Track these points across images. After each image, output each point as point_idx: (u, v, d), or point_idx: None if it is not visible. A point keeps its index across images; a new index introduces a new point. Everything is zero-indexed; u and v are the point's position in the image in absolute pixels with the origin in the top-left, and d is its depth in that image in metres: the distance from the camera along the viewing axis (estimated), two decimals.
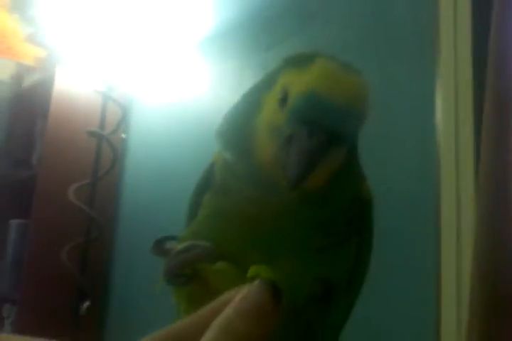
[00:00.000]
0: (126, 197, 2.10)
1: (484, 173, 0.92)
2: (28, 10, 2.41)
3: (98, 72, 1.98)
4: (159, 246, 0.56)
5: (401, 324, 1.19)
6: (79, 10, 1.97)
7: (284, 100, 0.50)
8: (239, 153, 0.53)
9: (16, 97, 2.38)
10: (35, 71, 2.35)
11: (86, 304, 1.81)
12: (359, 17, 1.50)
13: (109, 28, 1.96)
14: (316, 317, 0.55)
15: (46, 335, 1.86)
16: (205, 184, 0.59)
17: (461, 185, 1.15)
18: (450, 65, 1.23)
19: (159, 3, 2.13)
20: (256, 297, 0.28)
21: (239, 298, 0.29)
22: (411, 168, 1.26)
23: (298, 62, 0.52)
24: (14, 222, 2.14)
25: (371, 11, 1.49)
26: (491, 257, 0.88)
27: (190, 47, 2.00)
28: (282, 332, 0.54)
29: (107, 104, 1.96)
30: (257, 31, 1.77)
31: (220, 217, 0.55)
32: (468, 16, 1.24)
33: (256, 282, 0.31)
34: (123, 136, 2.13)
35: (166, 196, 1.87)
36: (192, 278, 0.54)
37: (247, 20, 1.82)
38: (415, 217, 1.22)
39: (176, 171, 1.91)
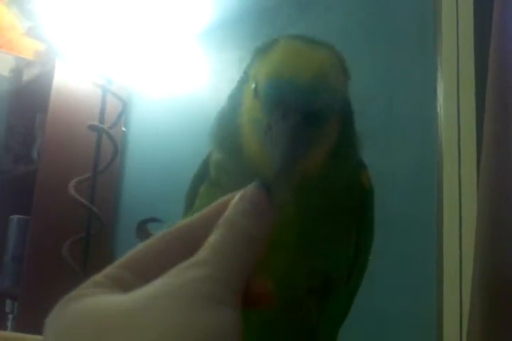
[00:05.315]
0: (127, 191, 2.09)
1: (485, 170, 0.91)
2: (26, 4, 2.40)
3: (97, 65, 1.96)
4: (143, 230, 0.55)
5: (404, 312, 1.17)
6: (78, 3, 1.95)
7: (256, 90, 0.49)
8: (229, 151, 0.52)
9: (16, 91, 2.36)
10: (35, 65, 2.34)
11: None
12: (360, 5, 1.48)
13: (108, 21, 1.94)
14: (315, 310, 0.54)
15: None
16: (202, 175, 0.58)
17: (463, 173, 1.13)
18: (452, 52, 1.21)
19: None
20: (253, 196, 0.31)
21: (238, 198, 0.31)
22: (413, 156, 1.24)
23: (263, 49, 0.51)
24: (14, 218, 2.13)
25: None
26: (492, 244, 0.87)
27: (190, 39, 1.98)
28: (282, 324, 0.53)
29: (106, 98, 1.94)
30: (256, 21, 1.75)
31: None
32: (471, 3, 1.22)
33: (252, 183, 0.32)
34: (123, 129, 2.12)
35: (166, 189, 1.86)
36: None
37: (247, 11, 1.80)
38: (417, 205, 1.20)
39: (176, 164, 1.90)
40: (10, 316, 2.10)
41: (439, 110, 1.21)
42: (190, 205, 0.60)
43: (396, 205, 1.19)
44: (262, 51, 0.51)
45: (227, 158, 0.53)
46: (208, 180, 0.57)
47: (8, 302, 2.13)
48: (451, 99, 1.18)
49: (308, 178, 0.49)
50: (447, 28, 1.23)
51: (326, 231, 0.53)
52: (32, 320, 1.80)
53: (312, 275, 0.53)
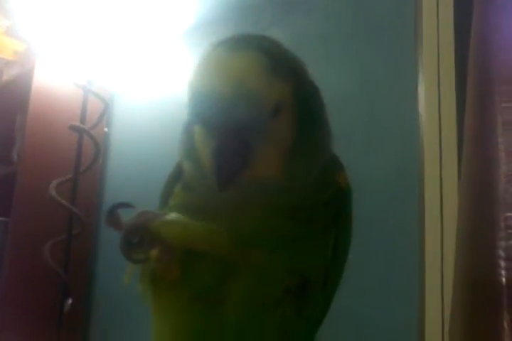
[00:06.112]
0: (109, 192, 2.07)
1: (466, 171, 0.91)
2: (5, 3, 2.36)
3: (78, 65, 1.94)
4: (113, 217, 0.56)
5: (384, 315, 1.17)
6: (58, 2, 1.92)
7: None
8: (191, 162, 0.55)
9: None
10: (14, 65, 2.30)
11: (69, 301, 1.78)
12: (340, 6, 1.48)
13: (89, 21, 1.92)
14: (291, 312, 0.53)
15: (29, 333, 1.82)
16: (176, 176, 0.59)
17: (444, 175, 1.14)
18: (433, 53, 1.22)
19: None
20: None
21: None
22: (394, 157, 1.24)
23: (197, 62, 0.52)
24: None
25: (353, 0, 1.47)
26: (473, 245, 0.87)
27: (173, 38, 1.97)
28: (258, 324, 0.53)
29: (87, 98, 1.92)
30: (240, 20, 1.75)
31: (187, 209, 0.55)
32: (451, 4, 1.23)
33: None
34: (105, 129, 2.09)
35: (148, 190, 1.83)
36: (149, 248, 0.53)
37: (231, 10, 1.79)
38: (398, 206, 1.21)
39: (158, 165, 1.88)
40: None
41: (420, 112, 1.21)
42: (164, 203, 0.61)
43: (377, 208, 1.19)
44: (195, 67, 0.52)
45: (191, 167, 0.55)
46: (181, 181, 0.59)
47: None
48: (432, 100, 1.19)
49: (269, 180, 0.49)
50: (428, 29, 1.23)
51: (299, 231, 0.53)
52: (12, 323, 1.78)
53: (288, 275, 0.53)
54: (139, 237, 0.54)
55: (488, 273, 0.82)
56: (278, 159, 0.50)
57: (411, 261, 1.14)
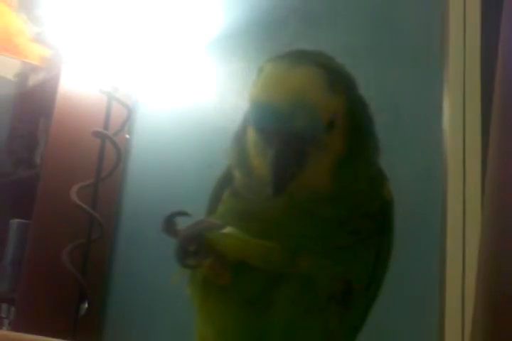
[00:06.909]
0: (129, 198, 2.09)
1: (490, 183, 0.92)
2: (35, 9, 2.41)
3: (103, 72, 1.98)
4: (169, 225, 0.57)
5: (405, 326, 1.18)
6: (86, 10, 1.96)
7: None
8: (242, 169, 0.56)
9: (20, 96, 2.37)
10: (41, 70, 2.35)
11: (85, 305, 1.80)
12: (365, 20, 1.50)
13: (115, 29, 1.96)
14: (335, 319, 0.55)
15: (45, 335, 1.83)
16: (226, 180, 0.60)
17: (467, 190, 1.14)
18: (459, 70, 1.22)
19: (167, 4, 2.12)
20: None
21: None
22: (418, 173, 1.25)
23: (256, 75, 0.54)
24: (15, 222, 2.12)
25: (378, 14, 1.49)
26: (495, 261, 0.87)
27: (198, 49, 1.99)
28: (303, 330, 0.54)
29: (111, 105, 1.96)
30: (263, 34, 1.77)
31: (238, 216, 0.56)
32: (478, 22, 1.24)
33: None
34: (127, 136, 2.12)
35: (168, 197, 1.86)
36: (204, 257, 0.54)
37: (254, 23, 1.82)
38: (420, 219, 1.21)
39: (179, 173, 1.90)
40: (6, 321, 2.09)
41: (444, 125, 1.22)
42: (212, 208, 0.62)
43: (399, 219, 1.20)
44: (254, 79, 0.54)
45: (242, 174, 0.56)
46: (230, 188, 0.59)
47: (4, 306, 2.12)
48: (456, 116, 1.20)
49: (318, 190, 0.51)
50: (454, 42, 1.24)
51: (346, 240, 0.54)
52: (28, 325, 1.80)
53: (333, 282, 0.54)
54: (196, 246, 0.55)
55: (510, 287, 0.83)
56: (328, 170, 0.52)
57: (432, 271, 1.14)
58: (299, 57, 0.52)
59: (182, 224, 0.58)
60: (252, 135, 0.53)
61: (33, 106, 2.29)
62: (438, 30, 1.29)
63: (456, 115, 1.20)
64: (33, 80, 2.34)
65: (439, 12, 1.30)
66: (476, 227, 1.07)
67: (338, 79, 0.51)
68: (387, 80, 1.38)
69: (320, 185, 0.52)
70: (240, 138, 0.56)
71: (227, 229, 0.55)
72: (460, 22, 1.25)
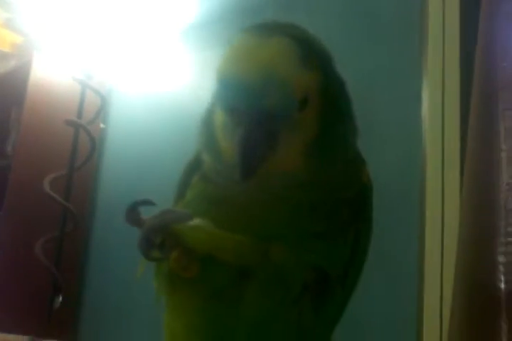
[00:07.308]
0: (104, 189, 2.05)
1: (468, 176, 0.91)
2: None
3: (77, 59, 1.92)
4: (133, 215, 0.54)
5: (382, 317, 1.17)
6: None
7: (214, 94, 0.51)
8: (211, 153, 0.53)
9: None
10: (12, 57, 2.28)
11: (59, 298, 1.76)
12: (343, 6, 1.47)
13: (89, 16, 1.90)
14: (309, 311, 0.52)
15: (18, 330, 1.80)
16: (195, 165, 0.58)
17: (446, 179, 1.13)
18: (437, 57, 1.21)
19: None
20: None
21: None
22: (397, 161, 1.24)
23: (224, 49, 0.50)
24: None
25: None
26: (473, 254, 0.87)
27: (173, 36, 1.95)
28: (276, 321, 0.51)
29: (85, 93, 1.90)
30: (240, 20, 1.74)
31: (207, 200, 0.53)
32: (457, 7, 1.22)
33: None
34: (101, 125, 2.08)
35: (144, 188, 1.83)
36: (170, 249, 0.52)
37: (231, 9, 1.78)
38: (399, 211, 1.20)
39: (155, 163, 1.87)
40: None
41: (423, 116, 1.21)
42: (180, 194, 0.59)
43: (377, 211, 1.18)
44: (222, 53, 0.50)
45: (211, 159, 0.54)
46: (199, 172, 0.57)
47: None
48: (435, 104, 1.18)
49: (290, 173, 0.48)
50: (433, 33, 1.23)
51: (320, 226, 0.52)
52: (2, 319, 1.76)
53: (307, 270, 0.51)
54: (161, 237, 0.52)
55: (487, 278, 0.82)
56: (301, 152, 0.49)
57: (411, 264, 1.13)
58: (271, 29, 0.48)
59: (148, 213, 0.55)
60: (220, 117, 0.50)
61: (4, 95, 2.23)
62: (417, 18, 1.27)
63: (435, 103, 1.18)
64: (3, 67, 2.27)
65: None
66: (454, 218, 1.06)
67: (312, 54, 0.48)
68: (364, 69, 1.36)
69: (292, 168, 0.49)
70: (207, 121, 0.53)
71: (196, 221, 0.52)
72: (439, 11, 1.24)
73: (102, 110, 1.94)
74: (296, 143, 0.48)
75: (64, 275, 1.79)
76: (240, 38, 0.49)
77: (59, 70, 2.01)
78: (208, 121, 0.53)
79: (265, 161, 0.46)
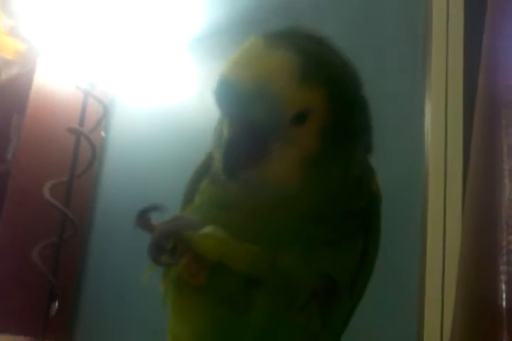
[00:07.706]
0: (104, 197, 2.05)
1: (472, 189, 0.92)
2: (10, 3, 2.35)
3: (80, 68, 1.94)
4: (143, 219, 0.54)
5: (383, 331, 1.17)
6: (62, 4, 1.92)
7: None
8: (219, 157, 0.53)
9: None
10: (15, 65, 2.29)
11: (56, 304, 1.75)
12: (349, 19, 1.49)
13: (94, 24, 1.92)
14: (317, 319, 0.53)
15: (14, 335, 1.78)
16: (204, 171, 0.58)
17: (448, 192, 1.14)
18: (441, 72, 1.22)
19: (149, 1, 2.09)
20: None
21: None
22: (399, 173, 1.25)
23: (235, 50, 0.51)
24: None
25: (361, 12, 1.48)
26: (475, 271, 0.87)
27: (178, 47, 1.97)
28: (283, 329, 0.52)
29: (87, 101, 1.91)
30: (245, 32, 1.75)
31: (217, 206, 0.54)
32: (461, 20, 1.23)
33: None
34: (102, 134, 2.08)
35: (144, 196, 1.83)
36: (180, 255, 0.52)
37: (236, 21, 1.80)
38: (400, 222, 1.21)
39: (155, 171, 1.87)
40: None
41: (426, 131, 1.22)
42: (188, 200, 0.60)
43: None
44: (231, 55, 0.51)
45: (218, 159, 0.54)
46: (209, 175, 0.57)
47: None
48: (438, 116, 1.19)
49: (286, 186, 0.49)
50: (437, 46, 1.24)
51: (328, 235, 0.53)
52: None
53: (315, 278, 0.52)
54: (173, 243, 0.53)
55: (489, 296, 0.83)
56: (297, 166, 0.49)
57: (412, 278, 1.14)
58: (285, 39, 0.49)
59: (157, 220, 0.55)
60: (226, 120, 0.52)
61: (5, 102, 2.23)
62: (422, 27, 1.28)
63: (439, 115, 1.19)
64: (6, 75, 2.28)
65: (423, 9, 1.29)
66: (456, 233, 1.07)
67: (318, 72, 0.48)
68: (369, 83, 1.37)
69: (288, 178, 0.50)
70: (219, 125, 0.54)
71: (207, 229, 0.52)
72: (443, 25, 1.25)
73: (103, 119, 1.95)
74: (292, 156, 0.49)
75: (61, 281, 1.79)
76: (251, 43, 0.50)
77: (62, 78, 2.02)
78: (219, 125, 0.54)
79: (254, 168, 0.48)
